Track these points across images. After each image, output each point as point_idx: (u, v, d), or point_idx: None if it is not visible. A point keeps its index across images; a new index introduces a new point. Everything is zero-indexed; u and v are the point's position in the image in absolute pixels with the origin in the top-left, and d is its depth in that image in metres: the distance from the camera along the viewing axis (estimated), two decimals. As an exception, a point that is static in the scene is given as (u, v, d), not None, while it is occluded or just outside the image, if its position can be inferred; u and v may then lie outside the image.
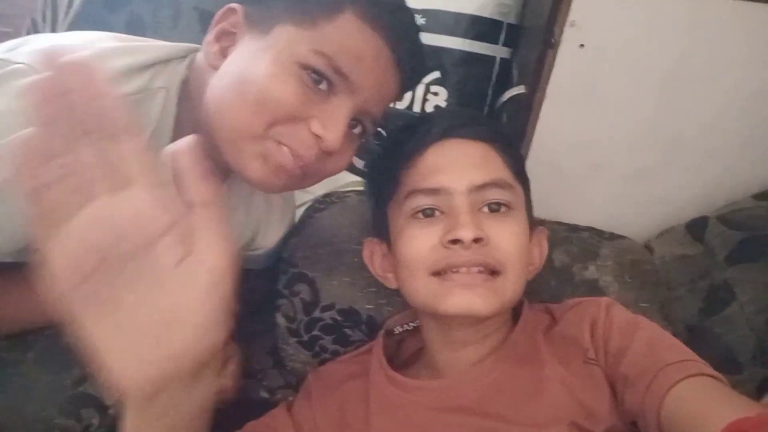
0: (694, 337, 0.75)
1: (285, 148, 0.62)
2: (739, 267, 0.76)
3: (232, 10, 0.65)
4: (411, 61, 0.66)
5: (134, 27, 1.01)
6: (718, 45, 0.78)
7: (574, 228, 0.90)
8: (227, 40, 0.65)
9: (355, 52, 0.61)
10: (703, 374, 0.57)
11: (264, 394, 0.83)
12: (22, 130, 0.52)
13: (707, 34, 0.77)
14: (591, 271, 0.83)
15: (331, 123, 0.61)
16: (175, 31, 0.98)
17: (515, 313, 0.75)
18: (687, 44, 0.78)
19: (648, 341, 0.63)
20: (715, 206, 0.89)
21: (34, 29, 1.06)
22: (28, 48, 0.60)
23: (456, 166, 0.69)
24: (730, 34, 0.77)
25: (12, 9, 1.04)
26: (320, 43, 0.60)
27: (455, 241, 0.65)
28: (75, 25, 1.04)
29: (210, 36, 0.66)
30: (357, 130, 0.67)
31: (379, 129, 1.02)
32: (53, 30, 1.06)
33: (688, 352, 0.61)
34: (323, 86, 0.61)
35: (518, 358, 0.69)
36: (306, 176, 0.66)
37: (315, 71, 0.60)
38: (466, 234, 0.64)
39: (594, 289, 0.81)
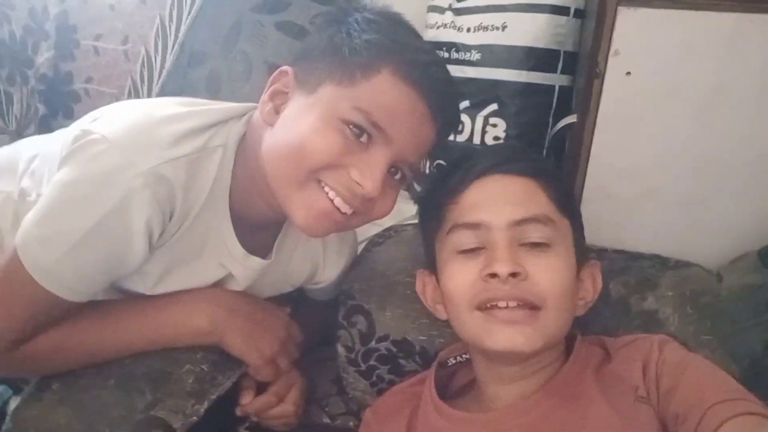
0: (758, 373, 0.71)
1: (330, 192, 0.68)
2: (810, 298, 0.70)
3: (284, 72, 0.73)
4: (445, 113, 0.71)
5: (213, 81, 1.12)
6: (764, 59, 0.74)
7: (636, 257, 0.87)
8: (280, 99, 0.72)
9: (391, 107, 0.67)
10: (752, 413, 0.55)
11: (326, 420, 0.88)
12: (92, 195, 0.62)
13: (752, 51, 0.74)
14: (650, 302, 0.80)
15: (369, 171, 0.67)
16: (248, 83, 1.08)
17: (569, 345, 0.74)
18: (734, 60, 0.75)
19: (698, 379, 0.62)
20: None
21: (134, 89, 1.21)
22: (104, 116, 0.71)
23: (496, 202, 0.71)
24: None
25: (115, 71, 1.19)
26: (359, 100, 0.66)
27: (493, 275, 0.67)
28: (167, 84, 1.18)
29: (265, 96, 0.73)
30: (398, 177, 0.72)
31: (440, 161, 1.06)
32: (149, 88, 1.20)
33: (738, 390, 0.59)
34: (363, 139, 0.67)
35: (565, 394, 0.69)
36: (351, 219, 0.71)
37: (355, 125, 0.67)
38: (503, 268, 0.66)
39: (653, 321, 0.79)
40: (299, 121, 0.68)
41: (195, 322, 0.74)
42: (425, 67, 0.68)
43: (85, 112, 0.74)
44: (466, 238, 0.71)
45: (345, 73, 0.67)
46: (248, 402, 0.80)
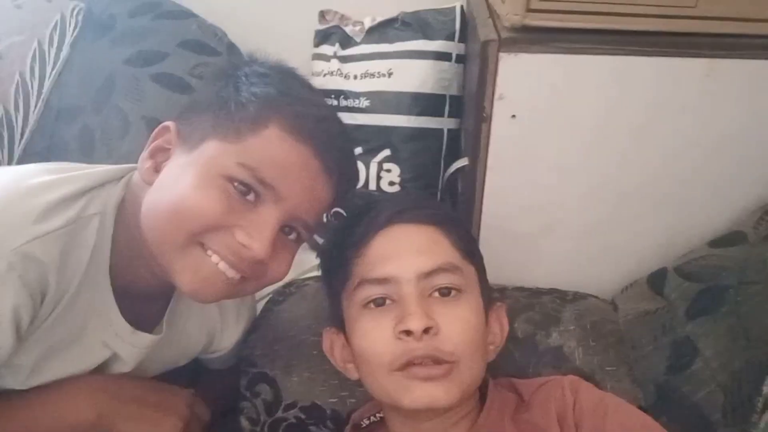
0: (663, 397, 0.73)
1: (214, 256, 0.62)
2: (699, 320, 0.74)
3: (166, 128, 0.67)
4: (340, 168, 0.67)
5: (86, 139, 1.03)
6: (647, 98, 0.79)
7: (536, 293, 0.89)
8: (162, 156, 0.67)
9: (279, 163, 0.62)
10: None
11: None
12: None
13: (633, 89, 0.78)
14: (554, 338, 0.82)
15: (256, 232, 0.62)
16: (125, 140, 1.01)
17: (482, 391, 0.73)
18: (615, 98, 0.79)
19: (618, 422, 0.63)
20: (676, 255, 0.88)
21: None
22: None
23: (403, 254, 0.69)
24: (658, 87, 0.78)
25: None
26: (245, 156, 0.62)
27: (407, 333, 0.65)
28: (31, 144, 1.06)
29: (145, 153, 0.67)
30: (292, 237, 0.68)
31: (339, 210, 1.03)
32: (10, 151, 1.08)
33: (658, 428, 0.61)
34: (251, 197, 0.62)
35: None
36: (243, 285, 0.66)
37: (241, 182, 0.62)
38: (416, 325, 0.64)
39: (559, 356, 0.80)
40: (179, 180, 0.62)
41: (78, 415, 0.65)
42: (317, 121, 0.65)
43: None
44: (374, 293, 0.68)
45: (230, 128, 0.62)
46: None
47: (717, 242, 0.83)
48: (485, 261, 0.76)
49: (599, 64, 0.78)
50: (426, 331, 0.64)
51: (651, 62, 0.78)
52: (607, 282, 0.93)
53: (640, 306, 0.84)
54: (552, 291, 0.89)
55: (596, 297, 0.90)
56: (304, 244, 0.89)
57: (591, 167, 0.85)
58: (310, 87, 0.72)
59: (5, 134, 1.09)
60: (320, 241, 0.89)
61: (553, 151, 0.84)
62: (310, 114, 0.65)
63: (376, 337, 0.67)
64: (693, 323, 0.75)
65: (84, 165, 0.71)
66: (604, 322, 0.83)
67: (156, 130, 0.68)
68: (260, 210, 0.63)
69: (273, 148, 0.62)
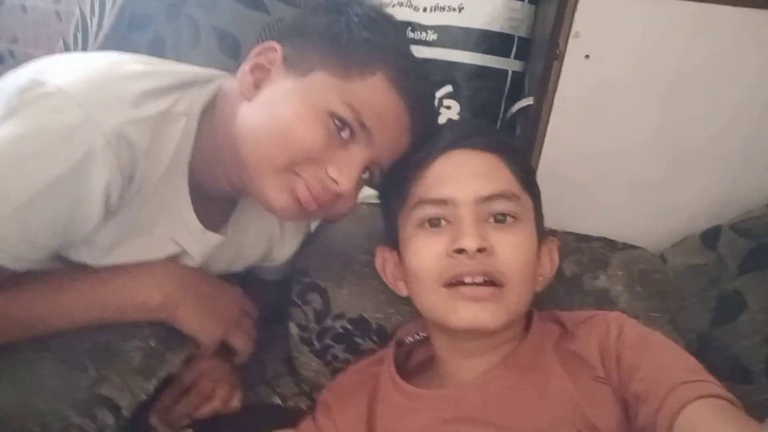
0: (704, 346, 0.75)
1: (302, 184, 0.66)
2: (750, 276, 0.75)
3: (272, 49, 0.70)
4: (424, 126, 0.72)
5: (157, 46, 1.05)
6: (722, 52, 0.78)
7: (586, 238, 0.90)
8: (261, 74, 0.69)
9: (379, 111, 0.67)
10: (712, 395, 0.56)
11: (277, 401, 0.85)
12: (46, 153, 0.56)
13: (711, 41, 0.77)
14: (601, 281, 0.83)
15: (346, 169, 0.66)
16: (195, 50, 1.02)
17: (527, 321, 0.75)
18: (691, 51, 0.78)
19: (659, 359, 0.63)
20: (732, 215, 0.88)
21: (66, 51, 1.12)
22: (55, 67, 0.64)
23: (462, 177, 0.70)
24: (735, 41, 0.77)
25: (44, 31, 1.10)
26: (350, 97, 0.65)
27: (460, 251, 0.66)
28: (104, 47, 1.09)
29: (246, 67, 0.70)
30: (365, 176, 0.71)
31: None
32: (84, 51, 1.12)
33: (700, 371, 0.61)
34: (345, 134, 0.66)
35: (525, 368, 0.69)
36: (317, 212, 0.70)
37: (341, 120, 0.65)
38: (470, 244, 0.66)
39: (604, 298, 0.81)
40: (284, 104, 0.66)
41: (146, 296, 0.69)
42: (416, 79, 0.70)
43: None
44: (431, 213, 0.70)
45: (340, 64, 0.66)
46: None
47: (776, 203, 0.83)
48: (537, 203, 0.77)
49: (681, 10, 0.77)
50: (480, 250, 0.66)
51: (735, 12, 0.76)
52: (656, 236, 0.93)
53: (689, 260, 0.84)
54: (602, 239, 0.90)
55: (645, 249, 0.90)
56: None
57: (657, 118, 0.84)
58: (407, 40, 0.78)
59: (80, 36, 1.12)
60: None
61: (621, 98, 0.83)
62: (411, 71, 0.69)
63: (428, 254, 0.69)
64: (744, 278, 0.75)
65: (171, 62, 0.74)
66: (652, 271, 0.83)
67: (259, 47, 0.71)
68: (352, 148, 0.67)
69: (376, 96, 0.66)
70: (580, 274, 0.84)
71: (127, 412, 0.63)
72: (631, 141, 0.86)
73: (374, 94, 0.66)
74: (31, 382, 0.60)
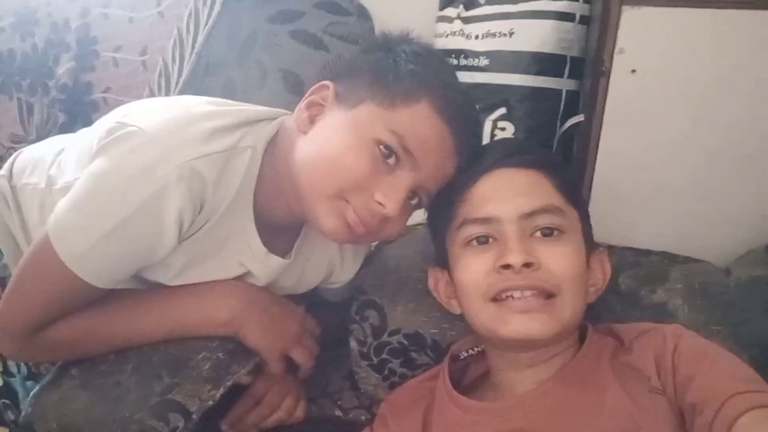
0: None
1: (352, 209, 0.71)
2: (817, 286, 0.71)
3: (325, 87, 0.76)
4: (468, 151, 0.74)
5: (228, 89, 1.15)
6: (759, 56, 0.76)
7: (645, 253, 0.88)
8: (316, 110, 0.76)
9: (423, 136, 0.70)
10: None
11: (338, 413, 0.89)
12: (129, 185, 0.64)
13: (757, 49, 0.76)
14: (659, 295, 0.81)
15: (392, 193, 0.70)
16: (263, 90, 1.11)
17: (581, 336, 0.75)
18: (736, 54, 0.77)
19: (716, 369, 0.62)
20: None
21: (152, 97, 1.24)
22: (138, 110, 0.74)
23: (505, 195, 0.72)
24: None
25: (133, 80, 1.23)
26: (395, 124, 0.70)
27: (506, 266, 0.68)
28: (183, 91, 1.21)
29: (302, 104, 0.77)
30: (414, 201, 0.75)
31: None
32: (167, 95, 1.24)
33: (756, 380, 0.60)
34: (391, 160, 0.70)
35: (580, 380, 0.69)
36: (366, 236, 0.74)
37: (387, 147, 0.70)
38: (516, 259, 0.67)
39: (663, 312, 0.79)
40: (334, 134, 0.71)
41: (215, 313, 0.76)
42: (460, 106, 0.73)
43: (103, 121, 0.76)
44: (477, 232, 0.72)
45: (386, 96, 0.70)
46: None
47: None
48: (594, 220, 0.78)
49: (719, 18, 0.76)
50: (527, 265, 0.67)
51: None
52: (718, 249, 0.91)
53: (754, 272, 0.81)
54: (662, 253, 0.88)
55: (709, 262, 0.87)
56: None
57: (707, 128, 0.83)
58: (453, 73, 0.80)
59: (163, 83, 1.24)
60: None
61: (670, 110, 0.83)
62: (456, 99, 0.73)
63: (475, 270, 0.71)
64: (811, 289, 0.72)
65: (238, 103, 0.81)
66: (714, 283, 0.81)
67: (315, 86, 0.77)
68: (397, 173, 0.71)
69: (420, 122, 0.70)
70: (637, 288, 0.82)
71: (196, 416, 0.69)
72: (681, 153, 0.85)
73: (418, 120, 0.70)
74: (113, 392, 0.68)
